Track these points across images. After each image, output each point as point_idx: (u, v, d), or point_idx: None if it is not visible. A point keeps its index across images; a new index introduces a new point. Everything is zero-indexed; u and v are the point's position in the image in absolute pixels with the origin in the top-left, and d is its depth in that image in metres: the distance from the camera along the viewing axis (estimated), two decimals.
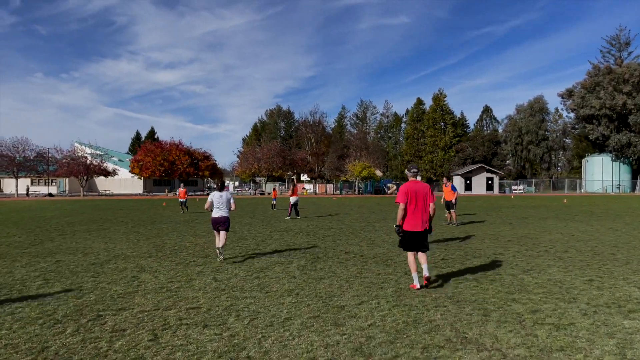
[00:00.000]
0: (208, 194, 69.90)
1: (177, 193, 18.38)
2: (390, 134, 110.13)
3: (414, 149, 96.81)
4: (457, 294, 6.61)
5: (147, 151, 66.11)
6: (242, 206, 32.25)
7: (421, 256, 7.00)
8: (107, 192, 72.32)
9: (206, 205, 9.91)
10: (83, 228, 16.63)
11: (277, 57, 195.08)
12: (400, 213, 6.85)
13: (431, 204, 6.94)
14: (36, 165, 62.16)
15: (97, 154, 66.34)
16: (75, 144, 69.73)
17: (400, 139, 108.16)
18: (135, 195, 66.31)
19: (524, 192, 70.59)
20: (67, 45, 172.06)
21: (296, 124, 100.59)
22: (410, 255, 6.99)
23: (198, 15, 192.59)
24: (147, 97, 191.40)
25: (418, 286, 6.88)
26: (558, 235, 13.55)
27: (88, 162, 62.46)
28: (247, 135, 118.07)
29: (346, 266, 8.87)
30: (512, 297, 6.46)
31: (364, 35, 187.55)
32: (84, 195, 61.33)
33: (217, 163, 72.65)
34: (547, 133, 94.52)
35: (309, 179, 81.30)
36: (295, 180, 23.48)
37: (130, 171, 68.17)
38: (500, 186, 75.17)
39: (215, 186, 10.20)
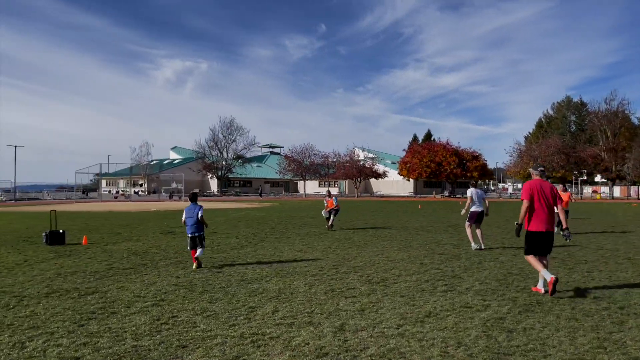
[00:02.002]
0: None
1: (325, 204, 15.76)
2: None
3: None
4: None
5: (414, 152, 65.98)
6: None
7: (543, 259, 6.62)
8: (379, 193, 75.37)
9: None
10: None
11: (571, 46, 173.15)
12: (523, 211, 6.50)
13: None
14: (319, 168, 69.30)
15: (369, 157, 69.85)
16: (355, 149, 74.84)
17: None
18: (403, 196, 66.91)
19: None
20: (362, 62, 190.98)
21: (590, 117, 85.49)
22: (531, 256, 6.58)
23: (483, 14, 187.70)
24: (431, 101, 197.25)
25: (543, 291, 6.47)
26: None
27: (361, 164, 66.23)
28: (529, 133, 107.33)
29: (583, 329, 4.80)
30: None
31: None
32: (358, 196, 65.18)
33: (487, 163, 67.22)
34: None
35: (604, 180, 67.38)
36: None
37: (398, 173, 69.30)
38: None
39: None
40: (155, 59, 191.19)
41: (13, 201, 48.64)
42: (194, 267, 8.59)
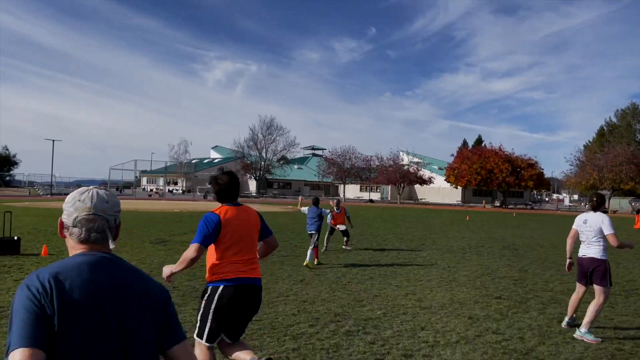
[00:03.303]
0: (532, 207, 60.30)
1: (330, 219, 12.21)
2: None
3: None
4: None
5: (463, 158, 61.59)
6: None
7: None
8: (424, 200, 71.28)
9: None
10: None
11: (634, 51, 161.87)
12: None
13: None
14: (360, 172, 66.11)
15: (414, 162, 66.02)
16: (399, 152, 71.11)
17: None
18: (450, 205, 62.61)
19: None
20: (412, 65, 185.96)
21: None
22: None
23: (540, 17, 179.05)
24: (482, 107, 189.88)
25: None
26: None
27: (405, 169, 62.54)
28: (589, 141, 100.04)
29: None
30: None
31: None
32: (400, 202, 61.56)
33: (543, 172, 61.93)
34: None
35: None
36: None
37: (445, 180, 65.03)
38: None
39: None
40: (207, 60, 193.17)
41: (49, 195, 48.35)
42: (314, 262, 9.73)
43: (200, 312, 3.50)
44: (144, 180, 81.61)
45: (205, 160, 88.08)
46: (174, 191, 64.17)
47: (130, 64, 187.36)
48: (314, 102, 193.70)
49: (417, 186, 71.44)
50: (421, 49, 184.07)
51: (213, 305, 3.41)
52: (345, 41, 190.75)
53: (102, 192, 1.62)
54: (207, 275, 3.56)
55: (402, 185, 62.69)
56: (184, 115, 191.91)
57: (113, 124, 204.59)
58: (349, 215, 12.94)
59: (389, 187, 73.28)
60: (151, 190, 64.22)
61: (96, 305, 1.42)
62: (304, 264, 9.48)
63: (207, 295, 3.48)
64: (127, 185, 64.97)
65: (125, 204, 33.50)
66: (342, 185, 69.44)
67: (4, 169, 67.58)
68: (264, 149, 72.28)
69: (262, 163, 71.73)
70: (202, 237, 3.40)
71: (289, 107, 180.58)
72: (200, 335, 3.46)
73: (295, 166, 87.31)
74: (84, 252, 1.54)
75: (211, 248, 3.52)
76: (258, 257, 3.71)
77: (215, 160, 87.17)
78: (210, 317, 3.43)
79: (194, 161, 79.29)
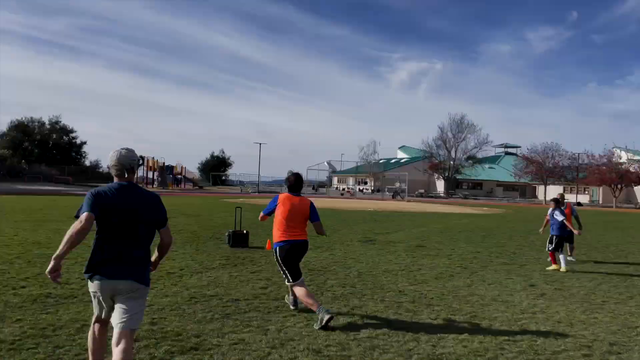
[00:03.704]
0: None
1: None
2: None
3: None
4: None
5: None
6: None
7: None
8: None
9: None
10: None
11: None
12: None
13: None
14: (564, 171, 59.04)
15: (634, 160, 56.33)
16: (615, 149, 61.48)
17: None
18: None
19: None
20: (623, 50, 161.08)
21: None
22: None
23: None
24: None
25: None
26: None
27: (623, 168, 53.77)
28: None
29: None
30: None
31: None
32: (616, 206, 53.14)
33: None
34: None
35: None
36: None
37: None
38: None
39: None
40: (391, 62, 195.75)
41: (257, 193, 54.04)
42: (552, 267, 9.09)
43: (277, 266, 5.47)
44: (334, 180, 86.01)
45: (393, 160, 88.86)
46: (364, 190, 65.95)
47: (321, 70, 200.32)
48: (505, 98, 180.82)
49: (637, 188, 60.92)
50: (635, 30, 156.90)
51: (280, 258, 5.30)
52: (540, 29, 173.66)
53: (123, 150, 3.20)
54: (272, 240, 5.51)
55: (619, 186, 54.03)
56: (370, 117, 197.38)
57: (305, 128, 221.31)
58: (576, 215, 11.10)
59: (600, 188, 63.92)
60: (343, 189, 67.14)
61: (112, 203, 3.05)
62: (554, 268, 8.62)
63: (275, 254, 5.41)
64: (321, 184, 69.08)
65: (322, 202, 35.35)
66: (541, 186, 63.03)
67: (220, 169, 78.05)
68: (454, 148, 69.69)
69: (452, 162, 69.23)
70: (267, 209, 5.52)
71: (477, 104, 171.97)
72: (288, 280, 5.33)
73: (487, 165, 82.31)
74: (115, 181, 3.18)
75: (274, 222, 5.43)
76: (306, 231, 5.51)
77: (402, 160, 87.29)
78: (282, 265, 5.31)
79: (381, 161, 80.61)
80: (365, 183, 71.79)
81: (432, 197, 63.42)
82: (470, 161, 71.50)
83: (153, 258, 3.39)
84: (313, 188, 63.24)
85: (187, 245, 10.59)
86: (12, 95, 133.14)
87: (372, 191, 67.01)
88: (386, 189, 59.33)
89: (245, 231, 10.98)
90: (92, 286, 3.12)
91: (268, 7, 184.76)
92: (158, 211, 3.29)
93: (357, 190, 64.16)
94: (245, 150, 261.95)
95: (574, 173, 59.28)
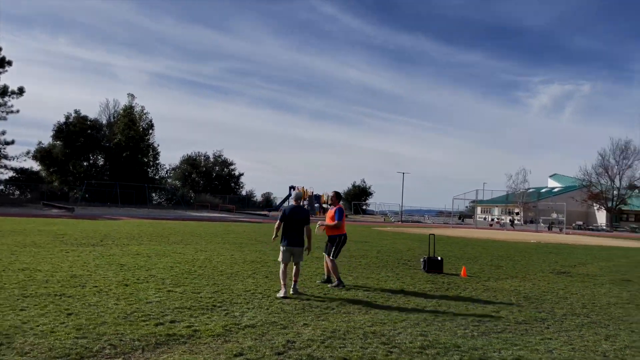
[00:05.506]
0: None
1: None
2: None
3: None
4: None
5: None
6: None
7: None
8: None
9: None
10: None
11: None
12: None
13: None
14: None
15: None
16: None
17: None
18: None
19: None
20: None
21: None
22: None
23: None
24: None
25: None
26: None
27: None
28: None
29: None
30: None
31: None
32: None
33: None
34: None
35: None
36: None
37: None
38: None
39: None
40: (531, 86, 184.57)
41: (400, 222, 54.07)
42: None
43: (334, 247, 8.52)
44: (478, 210, 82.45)
45: (544, 190, 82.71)
46: (516, 221, 62.23)
47: (455, 99, 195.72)
48: None
49: None
50: None
51: (340, 243, 8.58)
52: None
53: (297, 190, 9.88)
54: (333, 232, 8.59)
55: None
56: (510, 144, 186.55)
57: (441, 158, 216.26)
58: None
59: None
60: (492, 219, 64.05)
61: (289, 214, 7.83)
62: None
63: (337, 239, 8.55)
64: (465, 215, 66.64)
65: (476, 233, 34.25)
66: None
67: (361, 198, 79.70)
68: (617, 176, 62.79)
69: (615, 192, 62.35)
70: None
71: (630, 127, 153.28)
72: (334, 256, 8.50)
73: None
74: (293, 204, 8.21)
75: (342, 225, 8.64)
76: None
77: (555, 189, 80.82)
78: (339, 247, 8.58)
79: (530, 190, 75.55)
80: (517, 214, 67.66)
81: (592, 229, 57.48)
82: (636, 190, 63.70)
83: (307, 244, 7.86)
84: (460, 218, 61.33)
85: (383, 269, 11.20)
86: (178, 132, 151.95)
87: (524, 222, 62.87)
88: (540, 220, 55.27)
89: (439, 257, 11.28)
90: (283, 248, 7.73)
91: (398, 38, 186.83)
92: (307, 218, 7.85)
93: (508, 221, 60.66)
94: (380, 181, 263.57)
95: None
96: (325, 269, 8.94)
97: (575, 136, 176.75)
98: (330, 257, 8.53)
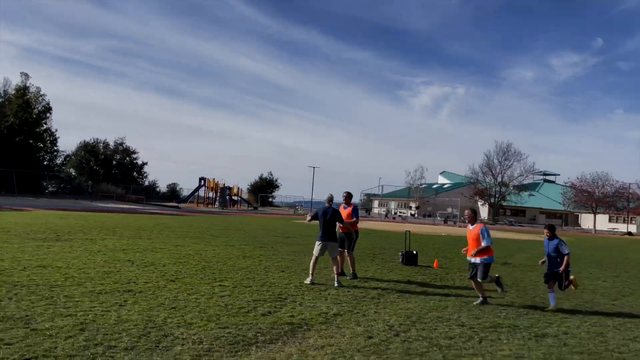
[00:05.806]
0: None
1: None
2: None
3: None
4: None
5: None
6: None
7: None
8: None
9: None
10: None
11: None
12: None
13: None
14: (615, 201, 59.44)
15: None
16: None
17: None
18: None
19: None
20: None
21: None
22: None
23: None
24: None
25: None
26: None
27: None
28: None
29: None
30: None
31: None
32: None
33: None
34: None
35: None
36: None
37: None
38: None
39: None
40: (413, 86, 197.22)
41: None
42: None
43: (353, 242, 9.60)
44: (375, 203, 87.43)
45: (435, 185, 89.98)
46: (416, 215, 67.19)
47: (347, 94, 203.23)
48: (530, 124, 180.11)
49: None
50: None
51: (356, 238, 9.81)
52: (564, 55, 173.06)
53: (329, 194, 9.04)
54: (351, 229, 9.60)
55: None
56: (393, 140, 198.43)
57: (326, 149, 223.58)
58: None
59: None
60: (395, 213, 68.52)
61: (322, 214, 8.78)
62: None
63: (355, 235, 9.71)
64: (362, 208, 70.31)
65: (386, 226, 36.85)
66: (585, 215, 63.35)
67: (267, 190, 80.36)
68: (500, 175, 70.70)
69: (497, 189, 70.16)
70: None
71: (503, 130, 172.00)
72: (352, 249, 9.61)
73: (527, 193, 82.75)
74: (326, 205, 8.97)
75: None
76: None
77: (445, 186, 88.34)
78: (355, 242, 9.73)
79: (422, 186, 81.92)
80: (418, 208, 73.11)
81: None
82: (513, 188, 72.28)
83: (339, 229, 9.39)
84: (366, 211, 64.73)
85: (364, 262, 12.37)
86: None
87: (424, 216, 68.33)
88: (437, 214, 60.56)
89: (414, 251, 12.73)
90: (318, 242, 8.76)
91: (292, 31, 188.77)
92: (339, 216, 8.93)
93: (410, 214, 65.43)
94: (286, 173, 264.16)
95: (624, 202, 59.59)
96: (339, 264, 9.82)
97: (451, 136, 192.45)
98: (350, 251, 9.54)
